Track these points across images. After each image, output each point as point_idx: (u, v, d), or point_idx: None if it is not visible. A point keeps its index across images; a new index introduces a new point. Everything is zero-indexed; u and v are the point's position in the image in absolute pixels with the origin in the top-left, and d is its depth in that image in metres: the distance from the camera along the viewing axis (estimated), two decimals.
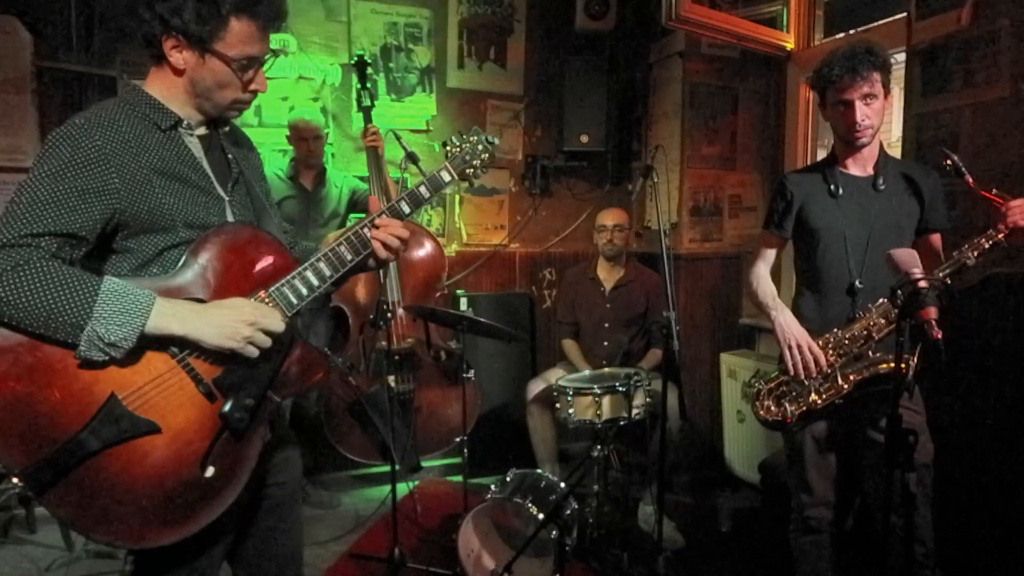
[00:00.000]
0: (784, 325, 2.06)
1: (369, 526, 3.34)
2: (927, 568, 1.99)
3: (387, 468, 2.85)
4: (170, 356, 1.32)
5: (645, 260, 3.82)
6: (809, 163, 3.35)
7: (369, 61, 3.39)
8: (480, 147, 1.76)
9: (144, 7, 1.34)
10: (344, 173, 3.64)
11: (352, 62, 3.43)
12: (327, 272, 1.48)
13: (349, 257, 1.51)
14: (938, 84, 2.64)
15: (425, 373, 3.15)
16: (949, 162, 1.91)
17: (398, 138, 3.08)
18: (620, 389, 2.81)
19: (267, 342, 1.37)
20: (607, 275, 3.64)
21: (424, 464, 3.17)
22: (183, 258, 1.37)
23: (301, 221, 3.35)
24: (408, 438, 3.01)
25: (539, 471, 2.82)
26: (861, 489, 2.17)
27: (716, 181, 3.87)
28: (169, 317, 1.27)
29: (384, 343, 2.97)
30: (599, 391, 2.80)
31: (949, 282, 1.84)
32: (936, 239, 2.12)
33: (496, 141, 1.82)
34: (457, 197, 4.11)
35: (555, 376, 3.29)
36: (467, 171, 1.76)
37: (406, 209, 1.60)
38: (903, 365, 1.57)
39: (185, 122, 1.43)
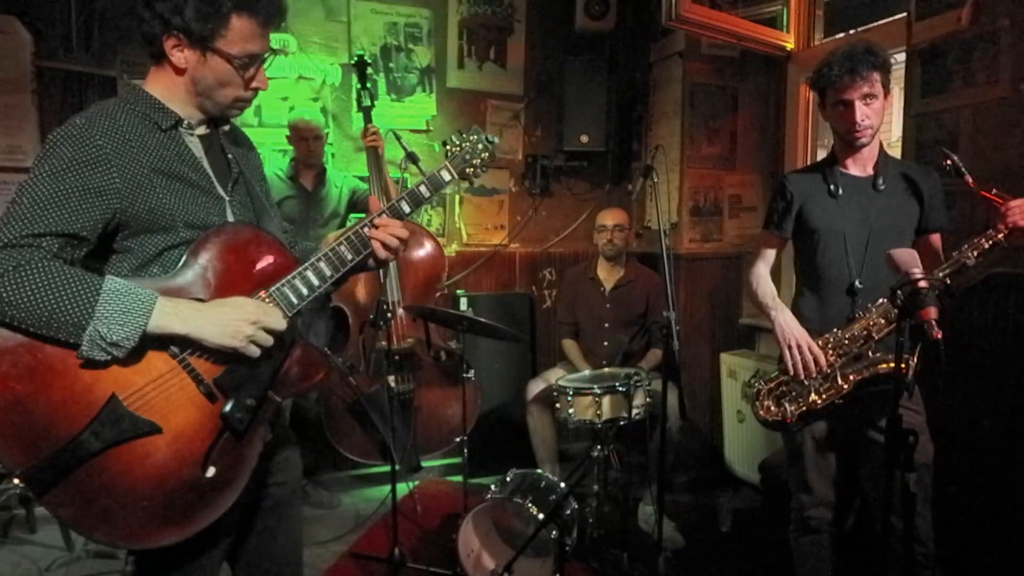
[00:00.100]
0: (784, 325, 2.06)
1: (369, 526, 3.34)
2: (927, 568, 1.99)
3: (387, 468, 2.85)
4: (171, 356, 1.32)
5: (645, 260, 3.82)
6: (809, 163, 3.35)
7: (369, 61, 3.39)
8: (480, 146, 1.76)
9: (144, 6, 1.33)
10: (344, 173, 3.64)
11: (352, 62, 3.43)
12: (327, 272, 1.48)
13: (349, 257, 1.51)
14: (938, 84, 2.64)
15: (425, 373, 3.15)
16: (949, 162, 1.90)
17: (398, 138, 3.09)
18: (620, 389, 2.81)
19: (269, 341, 1.37)
20: (607, 275, 3.64)
21: (424, 464, 3.17)
22: (183, 258, 1.36)
23: (301, 221, 3.35)
24: (408, 438, 3.01)
25: (539, 471, 2.82)
26: (861, 489, 2.17)
27: (716, 181, 3.87)
28: (171, 316, 1.27)
29: (384, 343, 2.97)
30: (599, 391, 2.80)
31: (949, 282, 1.84)
32: (936, 239, 2.12)
33: (496, 140, 1.82)
34: (457, 197, 4.11)
35: (555, 376, 3.29)
36: (467, 170, 1.76)
37: (406, 208, 1.60)
38: (903, 365, 1.57)
39: (185, 122, 1.43)
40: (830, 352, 2.01)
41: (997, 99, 2.44)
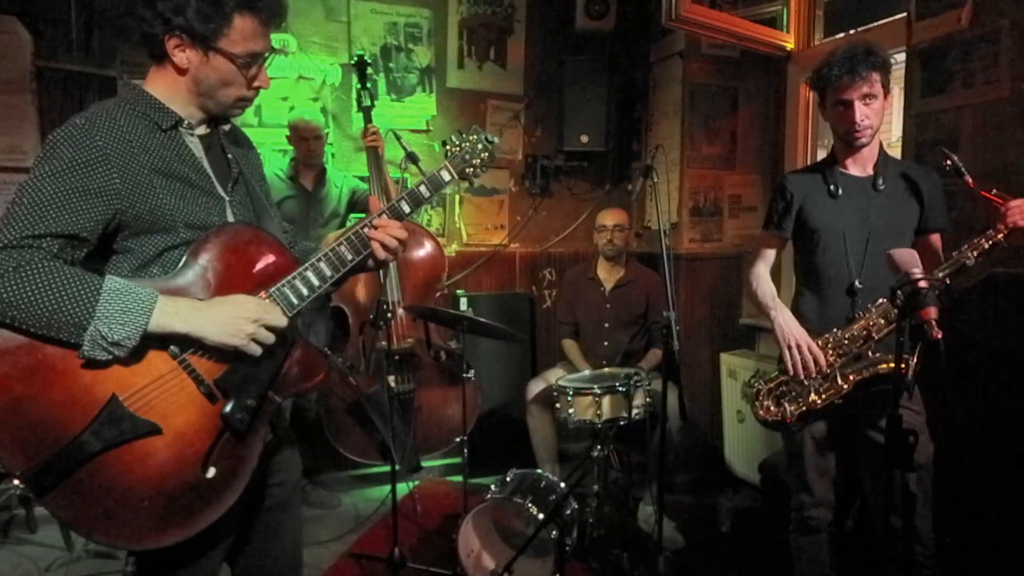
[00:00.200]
0: (784, 325, 2.06)
1: (369, 526, 3.34)
2: (927, 568, 2.00)
3: (387, 468, 2.84)
4: (171, 357, 1.31)
5: (645, 260, 3.82)
6: (809, 163, 3.35)
7: (369, 61, 3.39)
8: (480, 146, 1.76)
9: (145, 6, 1.33)
10: (344, 173, 3.64)
11: (352, 62, 3.43)
12: (327, 272, 1.48)
13: (349, 257, 1.50)
14: (938, 84, 2.64)
15: (425, 373, 3.15)
16: (949, 162, 1.91)
17: (398, 138, 3.09)
18: (620, 389, 2.81)
19: (271, 338, 1.37)
20: (607, 275, 3.64)
21: (424, 464, 3.17)
22: (183, 259, 1.36)
23: (301, 221, 3.35)
24: (408, 438, 3.01)
25: (539, 471, 2.82)
26: (861, 489, 2.17)
27: (716, 181, 3.87)
28: (172, 315, 1.27)
29: (384, 343, 2.97)
30: (599, 391, 2.80)
31: (949, 282, 1.84)
32: (936, 239, 2.12)
33: (496, 140, 1.82)
34: (457, 197, 4.11)
35: (555, 376, 3.29)
36: (467, 170, 1.76)
37: (406, 209, 1.60)
38: (903, 365, 1.57)
39: (186, 122, 1.43)
40: (830, 352, 2.01)
41: (997, 99, 2.44)
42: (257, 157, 1.69)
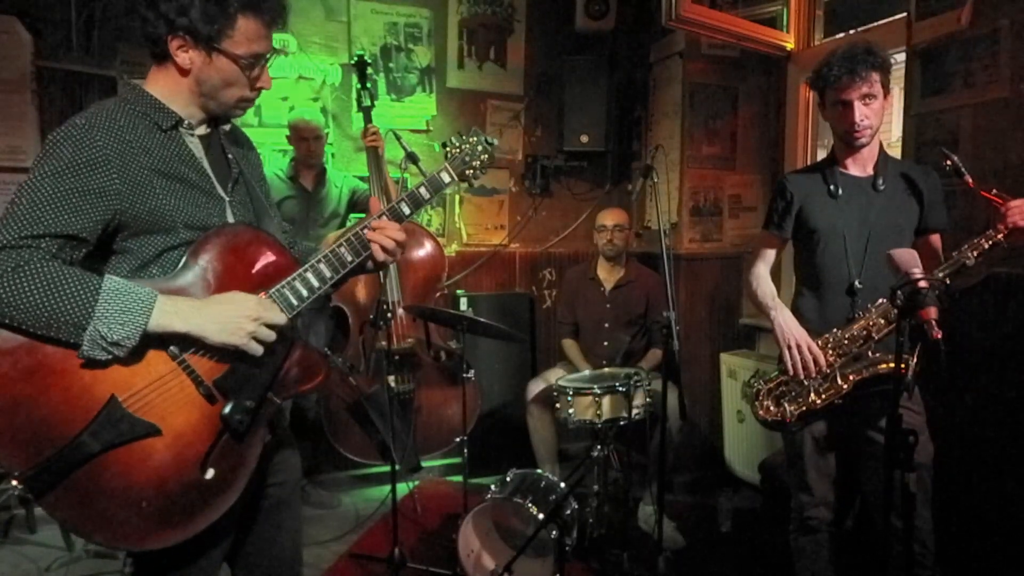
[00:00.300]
0: (784, 325, 2.06)
1: (369, 526, 3.34)
2: (927, 568, 1.99)
3: (387, 468, 2.85)
4: (170, 357, 1.31)
5: (645, 260, 3.82)
6: (809, 163, 3.35)
7: (369, 61, 3.39)
8: (480, 148, 1.76)
9: (148, 7, 1.33)
10: (344, 173, 3.64)
11: (352, 62, 3.43)
12: (327, 274, 1.48)
13: (349, 259, 1.50)
14: (938, 84, 2.64)
15: (425, 373, 3.15)
16: (949, 162, 1.90)
17: (398, 138, 3.09)
18: (620, 389, 2.81)
19: (271, 336, 1.37)
20: (607, 275, 3.64)
21: (424, 464, 3.17)
22: (183, 259, 1.36)
23: (301, 221, 3.35)
24: (408, 438, 3.01)
25: (539, 471, 2.82)
26: (861, 489, 2.17)
27: (716, 181, 3.87)
28: (171, 314, 1.27)
29: (384, 343, 2.97)
30: (599, 391, 2.80)
31: (949, 282, 1.84)
32: (936, 239, 2.12)
33: (495, 142, 1.82)
34: (457, 197, 4.11)
35: (555, 376, 3.29)
36: (467, 172, 1.76)
37: (406, 211, 1.60)
38: (903, 365, 1.57)
39: (186, 122, 1.43)
40: (830, 352, 2.01)
41: (997, 99, 2.44)
42: (257, 157, 1.69)
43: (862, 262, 2.05)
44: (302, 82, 3.73)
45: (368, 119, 3.31)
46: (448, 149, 1.75)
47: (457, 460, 3.60)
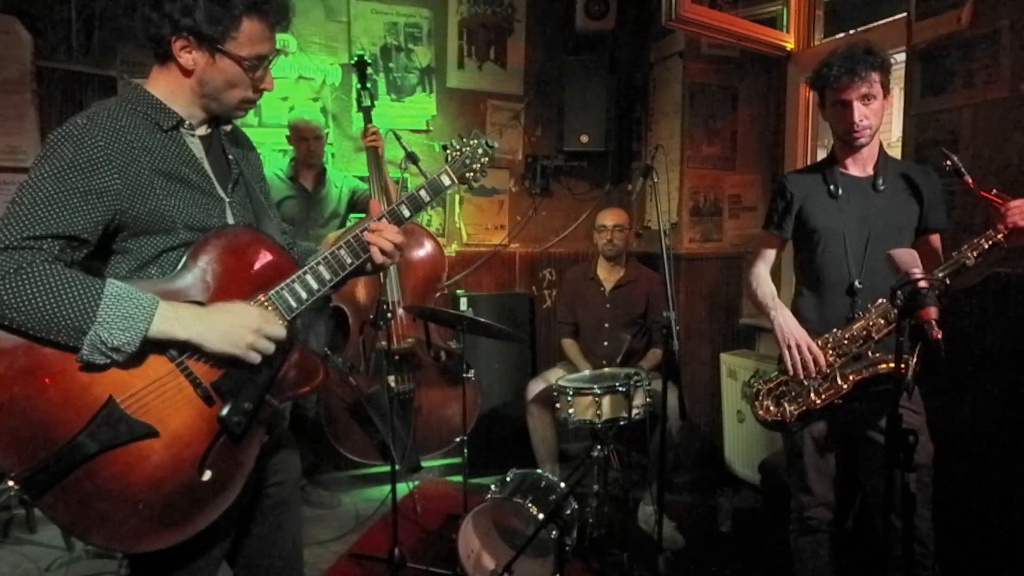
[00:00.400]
0: (783, 325, 2.06)
1: (369, 526, 3.34)
2: (927, 568, 1.99)
3: (387, 468, 2.85)
4: (168, 359, 1.31)
5: (645, 260, 3.82)
6: (809, 163, 3.35)
7: (369, 61, 3.39)
8: (480, 151, 1.76)
9: (152, 7, 1.32)
10: (344, 173, 3.64)
11: (352, 62, 3.43)
12: (326, 276, 1.48)
13: (348, 261, 1.50)
14: (938, 84, 2.64)
15: (425, 373, 3.15)
16: (949, 162, 1.90)
17: (398, 138, 3.09)
18: (620, 389, 2.80)
19: (270, 348, 1.37)
20: (607, 275, 3.64)
21: (424, 464, 3.17)
22: (182, 260, 1.36)
23: (301, 221, 3.35)
24: (408, 438, 3.01)
25: (539, 471, 2.82)
26: (861, 489, 2.17)
27: (716, 181, 3.87)
28: (172, 321, 1.27)
29: (384, 343, 2.97)
30: (599, 391, 2.80)
31: (949, 282, 1.84)
32: (936, 239, 2.12)
33: (496, 145, 1.82)
34: (457, 197, 4.11)
35: (555, 376, 3.29)
36: (467, 175, 1.76)
37: (406, 213, 1.60)
38: (903, 365, 1.57)
39: (187, 122, 1.42)
40: (829, 352, 2.01)
41: (997, 99, 2.44)
42: (257, 158, 1.69)
43: (862, 262, 2.05)
44: (302, 82, 3.73)
45: (368, 119, 3.31)
46: (449, 152, 1.75)
47: (457, 460, 3.60)
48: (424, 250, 3.30)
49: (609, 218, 3.58)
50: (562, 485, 2.67)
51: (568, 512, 2.61)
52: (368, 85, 3.34)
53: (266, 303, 1.40)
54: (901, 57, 2.78)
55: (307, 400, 3.31)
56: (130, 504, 1.26)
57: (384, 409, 2.91)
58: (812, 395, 2.01)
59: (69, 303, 1.20)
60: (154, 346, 1.28)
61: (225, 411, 1.34)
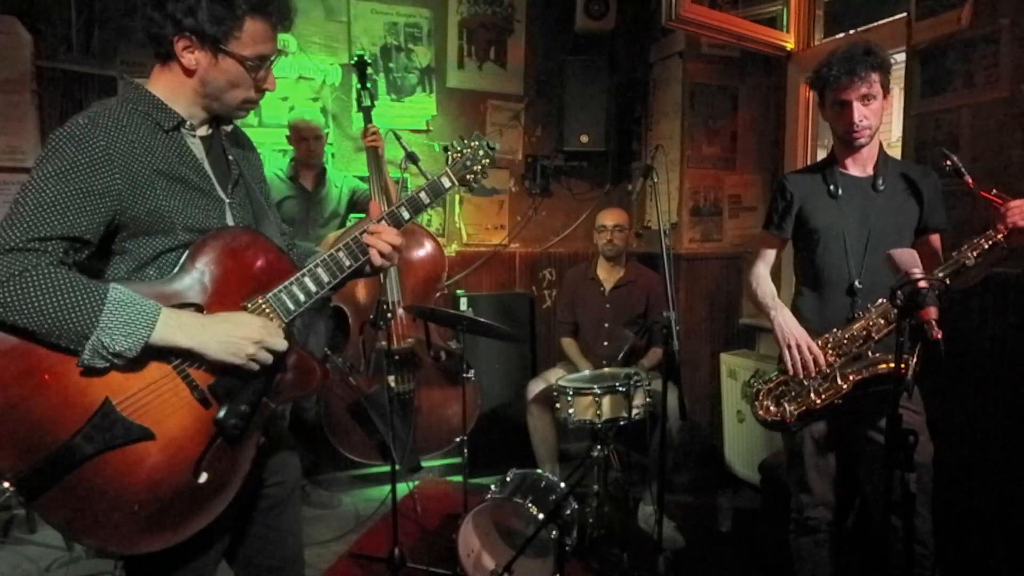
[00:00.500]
0: (783, 325, 2.06)
1: (369, 526, 3.34)
2: (927, 568, 1.99)
3: (387, 468, 2.84)
4: (166, 362, 1.31)
5: (645, 260, 3.82)
6: (809, 163, 3.35)
7: (369, 61, 3.39)
8: (481, 152, 1.75)
9: (155, 7, 1.32)
10: (344, 173, 3.64)
11: (352, 62, 3.43)
12: (325, 278, 1.47)
13: (347, 263, 1.50)
14: (938, 84, 2.64)
15: (425, 373, 3.15)
16: (949, 162, 1.90)
17: (398, 138, 3.08)
18: (620, 389, 2.81)
19: (269, 360, 1.37)
20: (607, 275, 3.64)
21: (424, 464, 3.17)
22: (181, 261, 1.36)
23: (301, 221, 3.35)
24: (408, 438, 3.01)
25: (539, 471, 2.82)
26: (861, 489, 2.17)
27: (716, 181, 3.87)
28: (175, 329, 1.27)
29: (384, 343, 2.97)
30: (599, 391, 2.80)
31: (949, 282, 1.84)
32: (935, 239, 2.12)
33: (497, 146, 1.82)
34: (457, 197, 4.11)
35: (555, 376, 3.29)
36: (468, 176, 1.76)
37: (405, 215, 1.60)
38: (903, 365, 1.57)
39: (188, 123, 1.42)
40: (829, 352, 2.01)
41: (997, 99, 2.44)
42: (258, 158, 1.69)
43: (862, 262, 2.05)
44: (302, 82, 3.73)
45: (368, 119, 3.30)
46: (449, 153, 1.75)
47: (457, 460, 3.59)
48: (424, 250, 3.29)
49: (609, 218, 3.58)
50: (562, 485, 2.67)
51: (568, 512, 2.61)
52: (368, 85, 3.34)
53: (265, 306, 1.40)
54: (901, 57, 2.78)
55: (307, 400, 3.31)
56: (126, 506, 1.25)
57: (384, 409, 2.91)
58: (812, 395, 2.02)
59: (73, 307, 1.20)
60: (154, 351, 1.28)
61: (221, 414, 1.34)
